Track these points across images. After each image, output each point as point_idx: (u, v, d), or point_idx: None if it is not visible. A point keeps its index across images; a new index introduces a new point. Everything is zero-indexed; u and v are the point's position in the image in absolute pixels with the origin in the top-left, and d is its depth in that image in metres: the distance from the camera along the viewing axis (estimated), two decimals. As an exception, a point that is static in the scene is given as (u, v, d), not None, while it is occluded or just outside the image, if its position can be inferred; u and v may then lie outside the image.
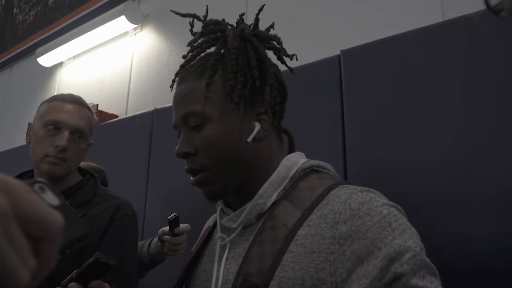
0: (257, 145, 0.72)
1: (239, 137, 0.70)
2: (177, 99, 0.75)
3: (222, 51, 0.75)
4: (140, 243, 1.35)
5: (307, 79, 1.29)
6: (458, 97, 1.02)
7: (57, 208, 0.28)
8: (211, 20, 0.79)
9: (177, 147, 0.72)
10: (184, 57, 0.78)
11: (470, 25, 1.04)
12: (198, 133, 0.71)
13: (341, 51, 1.26)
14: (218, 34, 0.77)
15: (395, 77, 1.13)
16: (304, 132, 1.24)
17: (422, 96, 1.07)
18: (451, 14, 1.20)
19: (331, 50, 1.30)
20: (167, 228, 1.24)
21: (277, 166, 0.72)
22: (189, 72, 0.75)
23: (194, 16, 0.81)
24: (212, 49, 0.77)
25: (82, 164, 1.31)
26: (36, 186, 0.28)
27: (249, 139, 0.70)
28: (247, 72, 0.72)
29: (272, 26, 0.80)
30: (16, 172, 1.22)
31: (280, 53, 0.80)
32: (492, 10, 0.47)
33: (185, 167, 0.72)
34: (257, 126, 0.71)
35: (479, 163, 0.96)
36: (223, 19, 0.80)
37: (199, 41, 0.78)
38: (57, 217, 0.26)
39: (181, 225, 1.22)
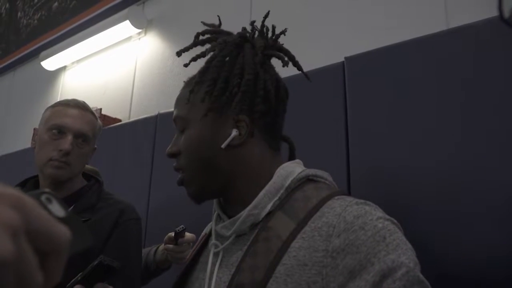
0: (234, 151, 0.72)
1: (215, 142, 0.72)
2: (175, 104, 0.80)
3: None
4: (146, 250, 1.36)
5: (311, 86, 1.29)
6: (461, 105, 1.02)
7: (63, 219, 0.28)
8: (206, 29, 0.81)
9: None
10: (185, 65, 0.80)
11: (474, 34, 1.04)
12: (182, 136, 0.76)
13: (345, 58, 1.27)
14: (218, 41, 0.78)
15: (398, 84, 1.13)
16: (308, 139, 1.24)
17: (426, 103, 1.08)
18: (455, 22, 1.20)
19: (335, 57, 1.30)
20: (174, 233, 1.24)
21: (270, 174, 0.72)
22: (189, 79, 0.80)
23: (209, 25, 0.82)
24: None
25: None
26: (43, 197, 0.28)
27: (223, 145, 0.71)
28: (230, 79, 0.73)
29: (284, 32, 0.80)
30: (18, 174, 1.22)
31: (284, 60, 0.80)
32: (506, 23, 0.46)
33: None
34: (234, 133, 0.72)
35: (482, 169, 0.96)
36: (221, 28, 0.82)
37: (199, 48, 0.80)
38: (65, 232, 0.27)
39: (186, 233, 1.23)
